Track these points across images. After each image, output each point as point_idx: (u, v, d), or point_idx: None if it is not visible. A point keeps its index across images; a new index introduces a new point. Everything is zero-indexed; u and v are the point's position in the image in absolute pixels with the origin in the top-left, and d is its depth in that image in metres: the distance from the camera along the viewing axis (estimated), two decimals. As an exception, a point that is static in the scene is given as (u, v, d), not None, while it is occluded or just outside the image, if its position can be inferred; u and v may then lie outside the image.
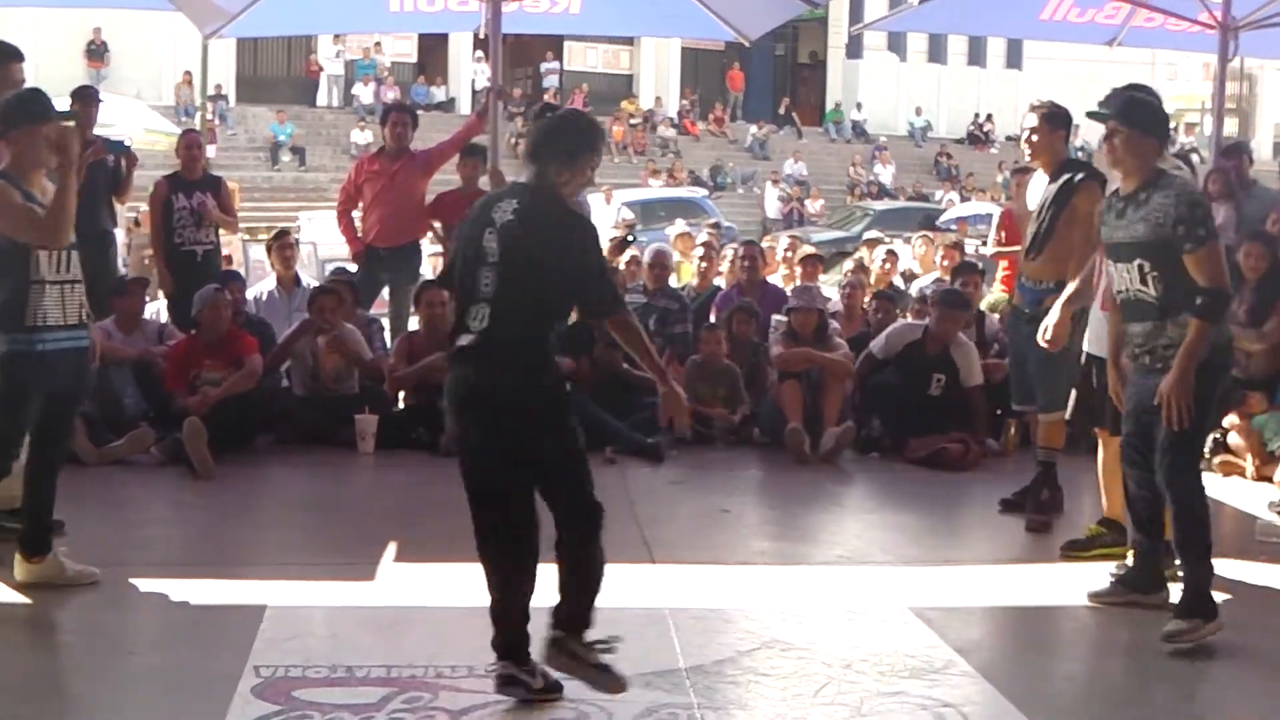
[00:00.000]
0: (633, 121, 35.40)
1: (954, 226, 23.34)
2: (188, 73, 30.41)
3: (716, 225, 16.50)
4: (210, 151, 23.71)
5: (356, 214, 9.72)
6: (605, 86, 37.48)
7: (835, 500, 7.72)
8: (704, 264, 10.50)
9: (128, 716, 4.29)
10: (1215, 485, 6.79)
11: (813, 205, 32.71)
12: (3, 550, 5.49)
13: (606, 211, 22.36)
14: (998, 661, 4.91)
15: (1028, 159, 6.95)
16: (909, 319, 9.27)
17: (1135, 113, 5.12)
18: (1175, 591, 5.14)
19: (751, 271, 9.76)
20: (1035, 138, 6.58)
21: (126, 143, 10.80)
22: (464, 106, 33.02)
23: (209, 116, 29.13)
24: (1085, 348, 6.08)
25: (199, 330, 8.17)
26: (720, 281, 10.35)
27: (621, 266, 9.88)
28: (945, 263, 10.90)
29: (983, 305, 9.48)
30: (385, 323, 9.58)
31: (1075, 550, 6.12)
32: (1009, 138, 36.84)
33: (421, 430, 8.29)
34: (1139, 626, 5.22)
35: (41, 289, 5.09)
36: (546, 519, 4.28)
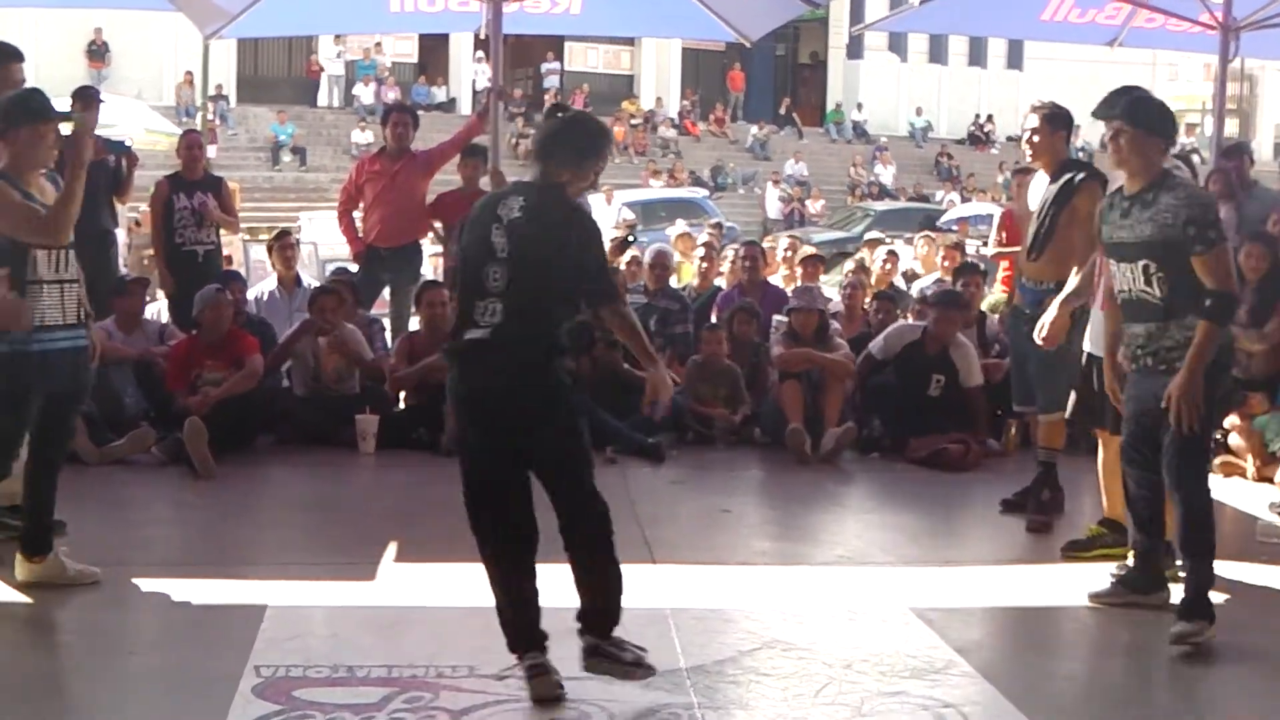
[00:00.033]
0: (633, 122, 35.41)
1: (955, 227, 23.34)
2: (188, 73, 30.42)
3: (718, 225, 16.49)
4: (211, 152, 23.71)
5: (357, 214, 9.72)
6: (606, 87, 37.49)
7: (836, 500, 7.72)
8: (705, 264, 10.51)
9: (128, 716, 4.29)
10: (1216, 486, 6.79)
11: (813, 206, 32.72)
12: (3, 550, 5.50)
13: (607, 212, 22.37)
14: (998, 662, 4.91)
15: (1029, 160, 6.95)
16: (909, 319, 9.27)
17: (1141, 112, 5.10)
18: (1176, 592, 5.14)
19: (752, 272, 9.76)
20: (1036, 138, 6.57)
21: (127, 143, 10.79)
22: (465, 107, 33.03)
23: (210, 117, 29.13)
24: (1086, 348, 6.08)
25: (200, 330, 8.18)
26: (721, 282, 10.36)
27: (622, 267, 9.88)
28: (946, 263, 10.90)
29: (983, 306, 9.48)
30: (386, 323, 9.59)
31: (1076, 550, 6.12)
32: (1010, 138, 36.89)
33: (422, 430, 8.29)
34: (1139, 627, 5.23)
35: (39, 289, 5.08)
36: (550, 522, 4.28)
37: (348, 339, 8.47)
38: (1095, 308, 5.94)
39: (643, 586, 5.26)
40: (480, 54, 31.17)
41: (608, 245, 9.47)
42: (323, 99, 34.03)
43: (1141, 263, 5.00)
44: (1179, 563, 5.11)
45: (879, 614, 5.31)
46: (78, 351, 5.29)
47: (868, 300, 9.72)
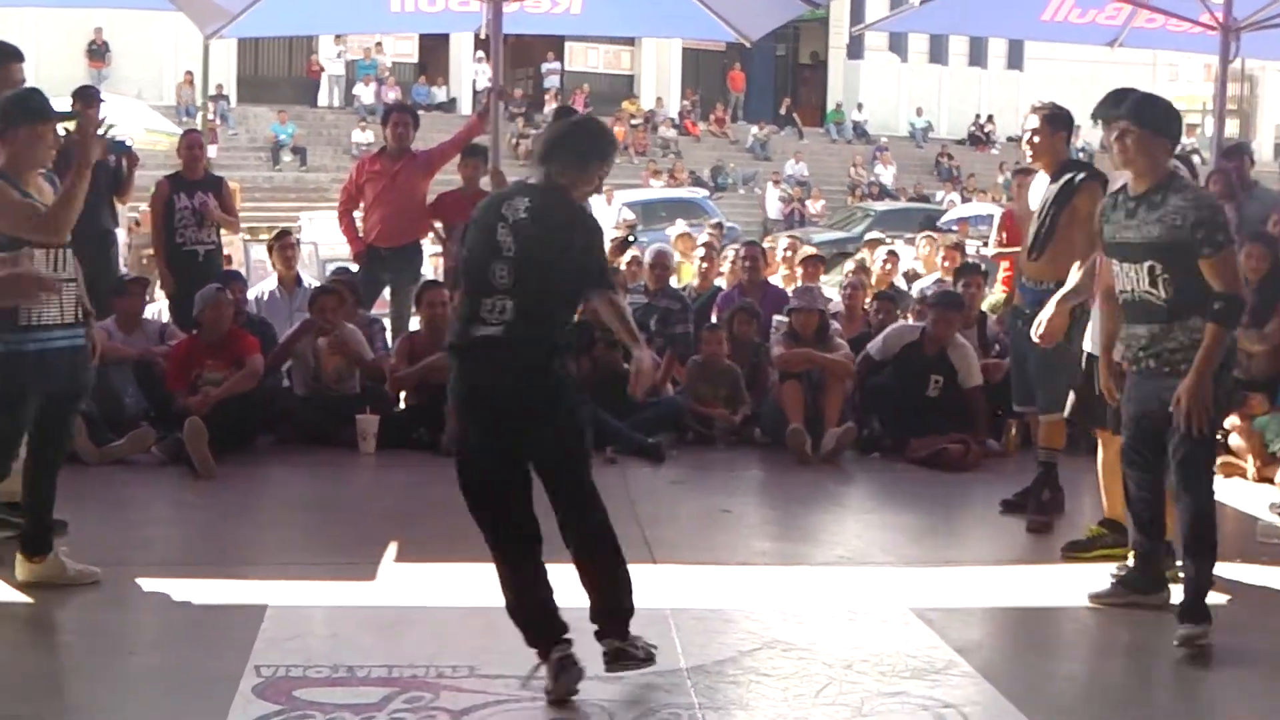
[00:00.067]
0: (634, 122, 35.39)
1: (955, 227, 23.33)
2: (189, 73, 30.42)
3: (719, 225, 16.49)
4: (211, 151, 23.71)
5: (358, 214, 9.72)
6: (606, 87, 37.49)
7: (836, 501, 7.72)
8: (705, 264, 10.51)
9: (128, 716, 4.29)
10: (1217, 487, 6.79)
11: (814, 206, 32.72)
12: (3, 550, 5.50)
13: (607, 212, 22.35)
14: (998, 662, 4.91)
15: (1029, 160, 6.95)
16: (910, 320, 9.27)
17: (1147, 113, 5.08)
18: (1176, 592, 5.13)
19: (753, 272, 9.76)
20: (1037, 139, 6.57)
21: (128, 143, 10.80)
22: (465, 107, 33.03)
23: (210, 116, 29.14)
24: (1086, 348, 6.08)
25: (200, 330, 8.18)
26: (721, 282, 10.36)
27: (622, 267, 9.88)
28: (946, 263, 10.90)
29: (984, 306, 9.48)
30: (387, 323, 9.59)
31: (1076, 551, 6.11)
32: (1010, 138, 36.88)
33: (422, 430, 8.29)
34: (1140, 627, 5.23)
35: None
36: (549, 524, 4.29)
37: (348, 339, 8.47)
38: (1095, 307, 5.93)
39: (643, 586, 5.23)
40: (480, 54, 31.17)
41: (608, 245, 9.52)
42: (323, 99, 34.03)
43: (1147, 264, 4.98)
44: (1179, 563, 5.11)
45: (879, 614, 5.31)
46: (75, 351, 5.27)
47: (868, 300, 9.72)
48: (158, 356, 8.33)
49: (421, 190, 9.61)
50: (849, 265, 12.13)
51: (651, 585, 5.42)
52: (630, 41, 36.97)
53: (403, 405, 8.70)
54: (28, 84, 6.14)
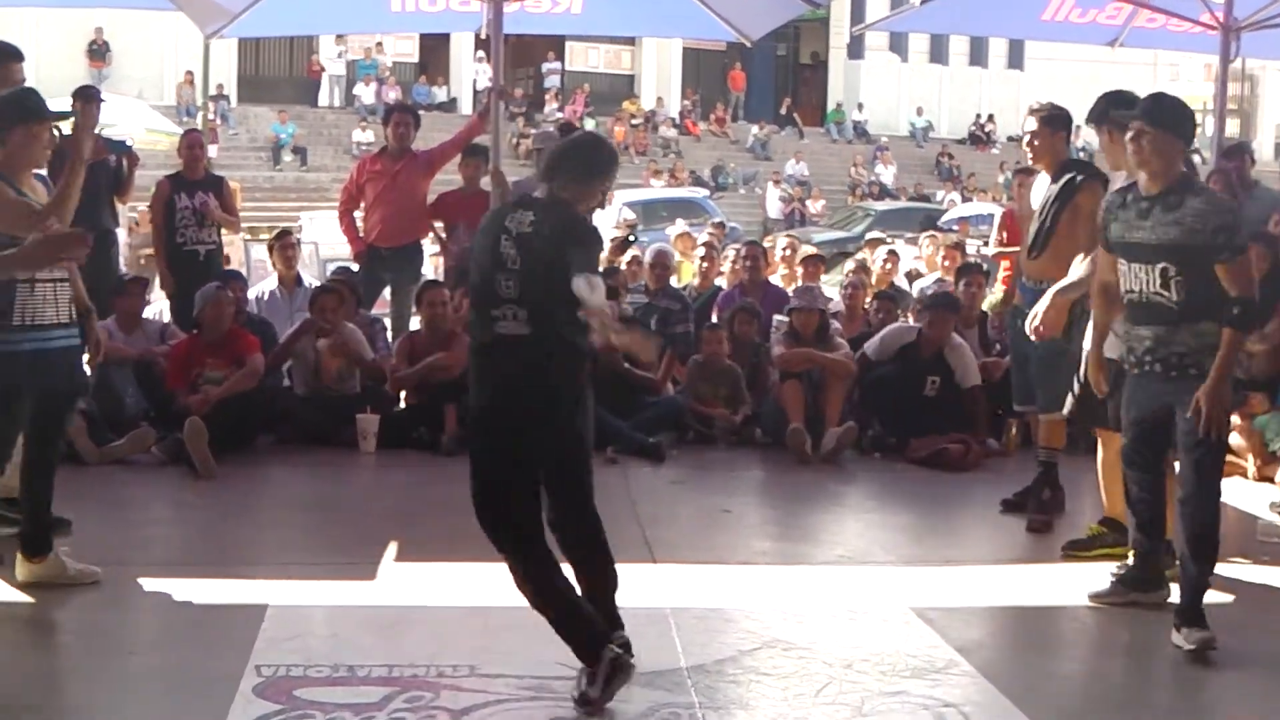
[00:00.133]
0: (634, 122, 35.40)
1: (955, 227, 23.34)
2: (189, 72, 30.41)
3: (721, 225, 16.48)
4: (212, 151, 23.71)
5: (358, 214, 9.72)
6: (607, 87, 37.49)
7: (836, 500, 7.72)
8: (705, 264, 10.51)
9: (128, 716, 4.29)
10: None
11: (814, 206, 32.72)
12: (3, 550, 5.50)
13: (608, 212, 22.32)
14: (999, 661, 4.91)
15: (1030, 162, 6.96)
16: (910, 319, 9.27)
17: (1162, 114, 5.04)
18: (1175, 591, 5.12)
19: (753, 272, 9.76)
20: (1036, 141, 6.58)
21: (128, 142, 10.80)
22: (465, 107, 33.03)
23: (210, 116, 29.14)
24: (1087, 347, 6.06)
25: (201, 328, 8.18)
26: (721, 282, 10.36)
27: (622, 267, 9.88)
28: (946, 263, 10.90)
29: (984, 305, 9.48)
30: (387, 323, 9.59)
31: (1076, 550, 6.12)
32: (1010, 138, 36.87)
33: (423, 430, 8.30)
34: (1139, 627, 5.23)
35: (30, 288, 5.04)
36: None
37: (348, 339, 8.47)
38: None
39: (643, 586, 5.27)
40: (481, 54, 31.17)
41: (608, 245, 9.53)
42: (323, 99, 34.02)
43: (1160, 265, 4.93)
44: (1179, 562, 5.10)
45: (879, 614, 5.31)
46: (69, 350, 5.26)
47: (868, 300, 9.72)
48: (158, 356, 8.33)
49: (422, 190, 9.62)
50: (849, 265, 12.12)
51: (651, 585, 5.43)
52: (631, 41, 36.95)
53: (403, 405, 8.70)
54: (27, 84, 6.14)
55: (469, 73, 34.07)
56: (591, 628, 4.21)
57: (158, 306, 9.72)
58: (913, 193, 34.66)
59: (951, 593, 5.64)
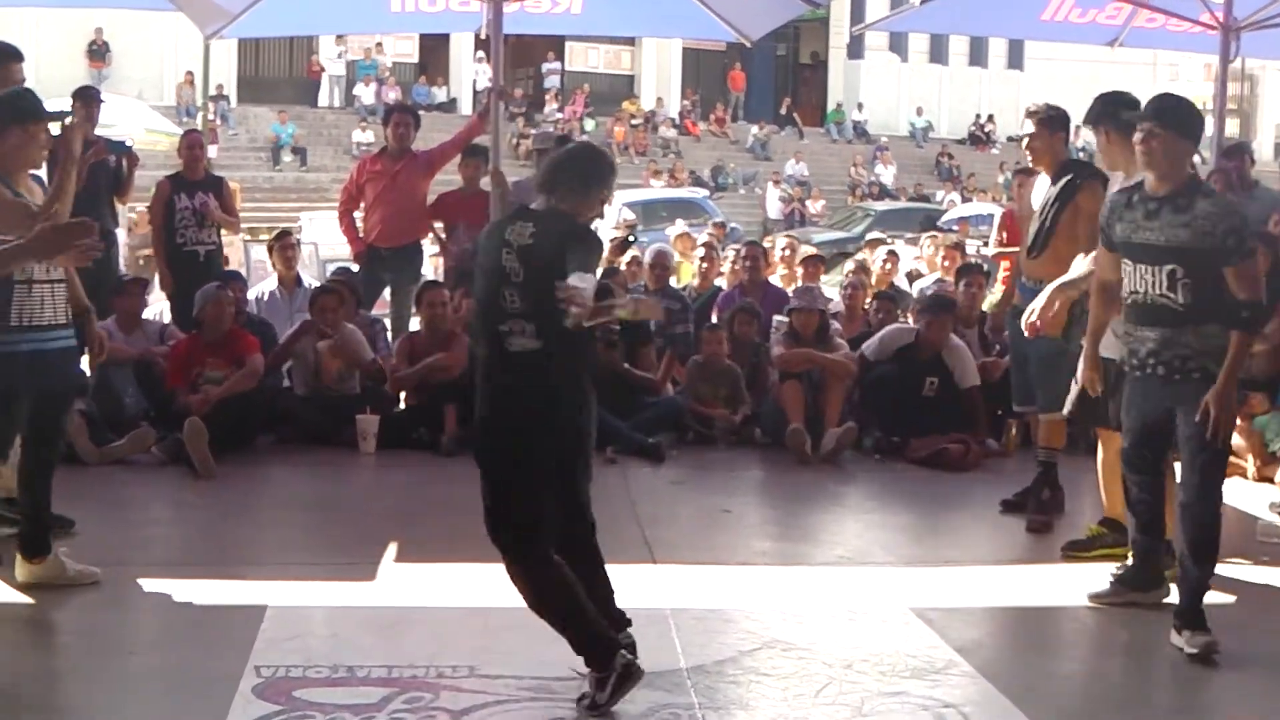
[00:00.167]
0: (634, 122, 35.41)
1: (955, 227, 23.33)
2: (189, 73, 30.41)
3: (721, 225, 16.49)
4: (212, 152, 23.70)
5: (358, 214, 9.72)
6: (606, 87, 37.49)
7: (836, 500, 7.72)
8: (705, 264, 10.51)
9: (128, 717, 4.29)
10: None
11: (814, 206, 32.73)
12: (3, 550, 5.50)
13: (608, 212, 22.34)
14: (998, 662, 4.91)
15: (1030, 164, 6.95)
16: (910, 319, 9.27)
17: (1173, 116, 5.01)
18: (1174, 591, 5.12)
19: (753, 272, 9.76)
20: (1036, 143, 6.58)
21: (128, 143, 10.80)
22: (465, 107, 33.03)
23: (210, 117, 29.13)
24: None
25: (201, 328, 8.18)
26: (721, 282, 10.36)
27: (622, 267, 9.88)
28: (946, 263, 10.90)
29: (984, 306, 9.48)
30: (387, 323, 9.59)
31: (1076, 550, 6.12)
32: (1010, 138, 36.84)
33: (423, 430, 8.30)
34: (1139, 627, 5.23)
35: (28, 288, 5.03)
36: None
37: (348, 340, 8.47)
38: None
39: (643, 586, 5.27)
40: (481, 54, 31.17)
41: (607, 246, 9.53)
42: (323, 99, 34.03)
43: (1167, 267, 4.90)
44: (1179, 563, 5.10)
45: (879, 614, 5.31)
46: (65, 351, 5.25)
47: (868, 300, 9.72)
48: (158, 356, 8.33)
49: (422, 190, 9.62)
50: (849, 265, 12.13)
51: (651, 585, 5.44)
52: (630, 41, 36.96)
53: (403, 405, 8.70)
54: (27, 84, 6.14)
55: (469, 73, 34.07)
56: (596, 628, 4.21)
57: (157, 307, 9.72)
58: (912, 193, 34.67)
59: (951, 593, 5.64)
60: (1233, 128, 31.95)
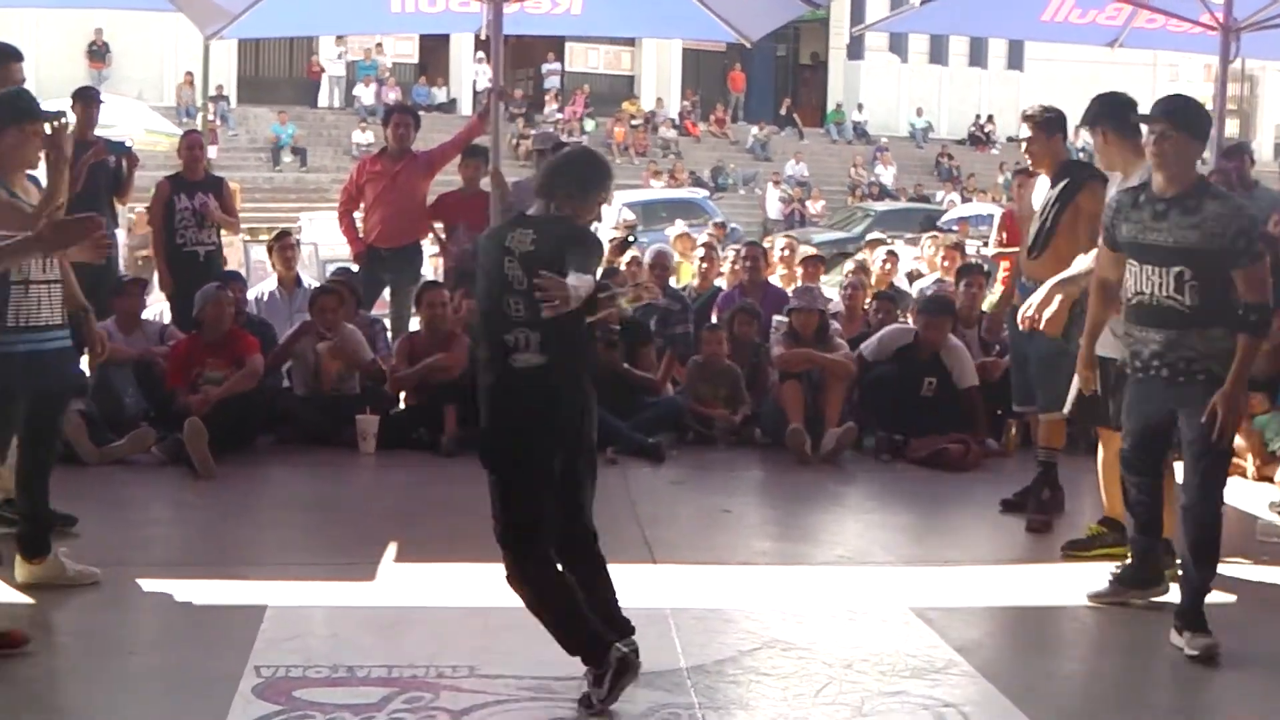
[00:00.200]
0: (634, 122, 35.40)
1: (955, 227, 23.34)
2: (189, 73, 30.41)
3: (721, 226, 16.48)
4: (212, 152, 23.68)
5: (358, 215, 9.73)
6: (606, 87, 37.49)
7: (836, 500, 7.72)
8: (705, 265, 10.51)
9: (128, 716, 4.30)
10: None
11: (814, 206, 32.73)
12: (3, 550, 5.50)
13: (607, 212, 22.33)
14: (998, 661, 4.91)
15: (1030, 167, 6.96)
16: (909, 320, 9.27)
17: (1186, 117, 4.98)
18: (1174, 590, 5.12)
19: (753, 272, 9.76)
20: (1034, 147, 6.59)
21: (128, 143, 10.80)
22: (465, 107, 33.03)
23: (210, 117, 29.12)
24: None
25: (201, 328, 8.18)
26: (721, 282, 10.36)
27: (622, 267, 9.88)
28: (945, 263, 10.90)
29: (984, 306, 9.48)
30: (387, 323, 9.59)
31: (1076, 550, 6.12)
32: (1010, 139, 36.84)
33: (422, 430, 8.30)
34: (1139, 626, 5.23)
35: (24, 289, 5.02)
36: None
37: (347, 341, 8.47)
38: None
39: (643, 586, 5.27)
40: (481, 54, 31.16)
41: (607, 246, 9.53)
42: (323, 99, 34.03)
43: (1176, 269, 4.87)
44: (1179, 561, 5.10)
45: (879, 613, 5.31)
46: (62, 351, 5.23)
47: (868, 301, 9.72)
48: (158, 356, 8.33)
49: (422, 191, 9.62)
50: (849, 265, 12.13)
51: (651, 585, 5.44)
52: (630, 42, 36.95)
53: (403, 405, 8.70)
54: (28, 84, 6.14)
55: (469, 73, 34.06)
56: (591, 628, 4.21)
57: (157, 307, 9.73)
58: (912, 193, 34.67)
59: (951, 593, 5.64)
60: (1233, 128, 31.92)
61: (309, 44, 33.30)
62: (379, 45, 33.70)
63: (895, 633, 5.06)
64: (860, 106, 39.46)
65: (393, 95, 31.65)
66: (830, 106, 40.06)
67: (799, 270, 10.60)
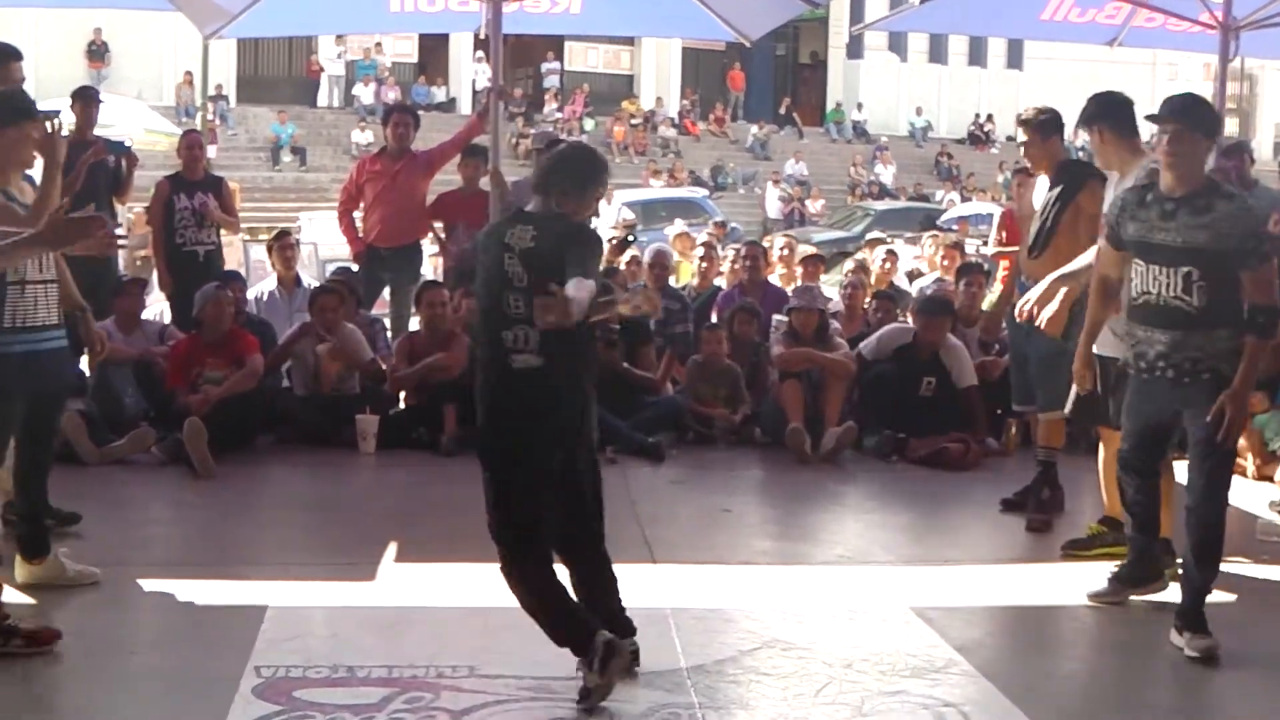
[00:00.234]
0: (633, 122, 35.40)
1: (955, 227, 23.34)
2: (188, 73, 30.41)
3: (721, 225, 16.48)
4: (211, 152, 23.68)
5: (358, 214, 9.72)
6: (606, 87, 37.48)
7: (836, 500, 7.72)
8: (704, 264, 10.52)
9: (128, 717, 4.30)
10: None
11: (814, 205, 32.72)
12: (3, 550, 5.49)
13: (607, 211, 22.32)
14: (998, 661, 4.91)
15: (1029, 169, 6.96)
16: (909, 319, 9.27)
17: (1196, 116, 4.96)
18: (1173, 589, 5.12)
19: (753, 271, 9.76)
20: (1031, 149, 6.60)
21: (127, 143, 10.81)
22: (465, 107, 33.03)
23: (210, 117, 29.12)
24: (1087, 347, 6.06)
25: (201, 328, 8.18)
26: (721, 282, 10.36)
27: (622, 267, 9.88)
28: (945, 263, 10.90)
29: (984, 305, 9.48)
30: (387, 323, 9.59)
31: (1076, 549, 6.12)
32: (1010, 138, 36.81)
33: (422, 430, 8.30)
34: (1140, 626, 5.23)
35: (20, 289, 4.99)
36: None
37: (347, 340, 8.46)
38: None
39: (643, 586, 5.27)
40: (480, 54, 31.17)
41: (607, 246, 9.53)
42: (323, 99, 34.02)
43: (1184, 269, 4.84)
44: (1179, 560, 5.10)
45: (879, 613, 5.31)
46: (59, 351, 5.22)
47: (868, 300, 9.72)
48: (158, 356, 8.33)
49: (421, 190, 9.62)
50: (849, 265, 12.13)
51: (651, 585, 5.43)
52: (630, 41, 36.96)
53: (402, 405, 8.70)
54: (27, 84, 6.14)
55: (468, 73, 34.06)
56: (587, 627, 4.21)
57: (157, 307, 9.72)
58: (912, 192, 34.67)
59: (951, 592, 5.64)
60: (1232, 127, 31.94)
61: (308, 43, 33.30)
62: (378, 45, 33.70)
63: (895, 632, 5.06)
64: (860, 106, 39.48)
65: (392, 95, 31.65)
66: (830, 106, 40.07)
67: (799, 269, 10.59)
